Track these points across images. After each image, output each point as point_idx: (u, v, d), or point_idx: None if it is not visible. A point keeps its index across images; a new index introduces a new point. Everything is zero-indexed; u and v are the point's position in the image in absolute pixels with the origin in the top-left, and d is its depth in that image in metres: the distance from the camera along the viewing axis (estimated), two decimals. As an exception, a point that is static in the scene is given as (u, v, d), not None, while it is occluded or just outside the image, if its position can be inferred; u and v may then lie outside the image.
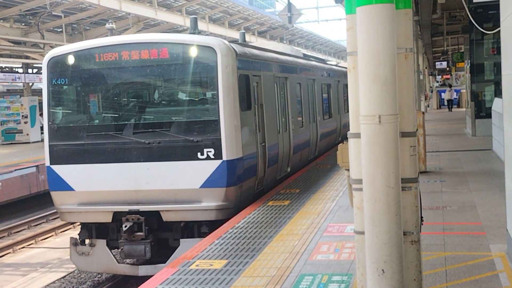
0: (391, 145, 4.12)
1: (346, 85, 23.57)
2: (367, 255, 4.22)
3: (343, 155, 5.05)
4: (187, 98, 11.21)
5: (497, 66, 19.63)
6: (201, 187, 10.18)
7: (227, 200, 10.27)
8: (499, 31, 7.76)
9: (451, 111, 40.35)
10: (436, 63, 42.21)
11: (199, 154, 10.19)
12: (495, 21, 17.91)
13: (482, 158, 16.10)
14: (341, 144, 5.15)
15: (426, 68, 42.81)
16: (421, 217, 4.76)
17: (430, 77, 51.86)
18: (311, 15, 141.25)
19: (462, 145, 19.28)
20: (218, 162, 10.16)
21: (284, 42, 51.30)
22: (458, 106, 43.90)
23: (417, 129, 4.67)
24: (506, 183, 7.52)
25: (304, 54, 19.62)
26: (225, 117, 10.18)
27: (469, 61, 23.21)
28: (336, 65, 27.47)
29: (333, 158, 16.64)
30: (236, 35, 38.27)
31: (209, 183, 10.17)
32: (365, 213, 4.21)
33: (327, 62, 27.27)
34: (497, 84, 19.62)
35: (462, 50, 33.47)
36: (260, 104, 11.88)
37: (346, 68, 25.67)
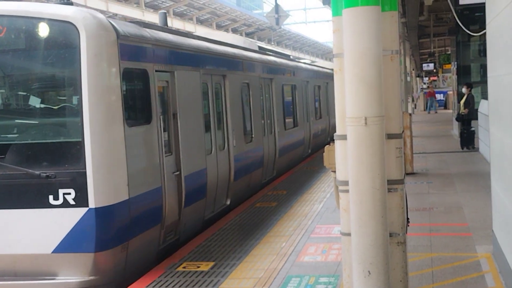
0: (377, 147, 4.13)
1: (319, 87, 21.14)
2: (353, 256, 4.22)
3: (330, 156, 5.06)
4: (33, 106, 7.35)
5: (484, 68, 19.75)
6: (54, 252, 6.64)
7: (99, 272, 6.69)
8: (485, 33, 7.81)
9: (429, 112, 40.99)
10: (423, 65, 42.37)
11: (50, 197, 6.63)
12: (482, 23, 17.96)
13: (468, 159, 16.19)
14: (327, 146, 5.15)
15: (413, 70, 42.98)
16: (407, 219, 4.78)
17: (418, 78, 52.08)
18: (299, 17, 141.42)
19: (449, 146, 19.37)
20: (82, 211, 6.58)
21: (272, 43, 51.40)
22: (445, 107, 44.14)
23: (403, 131, 4.69)
24: (492, 185, 7.56)
25: (261, 48, 16.04)
26: (94, 137, 6.63)
27: (455, 63, 23.34)
28: (310, 64, 24.72)
29: (317, 163, 16.67)
30: (224, 37, 38.23)
31: (67, 246, 6.62)
32: (351, 215, 4.22)
33: (301, 61, 24.51)
34: (484, 86, 19.74)
35: (449, 52, 33.65)
36: (172, 114, 8.44)
37: (323, 67, 23.81)
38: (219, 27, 41.65)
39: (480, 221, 9.08)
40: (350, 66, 4.15)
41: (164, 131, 8.17)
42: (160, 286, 6.88)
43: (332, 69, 23.46)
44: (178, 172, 8.47)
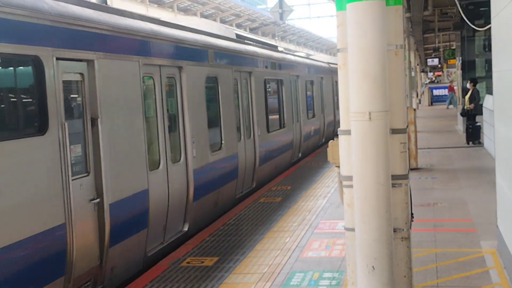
0: (381, 142, 4.11)
1: (312, 82, 19.06)
2: (357, 252, 4.21)
3: (333, 152, 5.04)
4: None
5: (489, 63, 19.68)
6: None
7: None
8: (490, 28, 7.77)
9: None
10: (428, 60, 42.26)
11: None
12: (487, 18, 17.90)
13: (473, 154, 16.15)
14: (331, 141, 5.13)
15: (418, 65, 42.88)
16: (412, 214, 4.76)
17: (422, 73, 51.97)
18: (303, 12, 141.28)
19: (454, 141, 19.32)
20: None
21: (276, 38, 51.32)
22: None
23: (407, 126, 4.67)
24: (496, 180, 7.54)
25: (239, 36, 13.63)
26: None
27: (460, 58, 23.27)
28: (302, 57, 22.28)
29: (321, 159, 16.66)
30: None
31: None
32: (355, 210, 4.20)
33: (294, 53, 21.93)
34: (489, 81, 19.68)
35: (453, 47, 33.53)
36: (90, 118, 6.45)
37: (318, 60, 22.20)
38: (223, 22, 41.62)
39: (484, 216, 9.06)
40: (354, 61, 4.12)
41: (73, 143, 6.14)
42: (164, 282, 6.89)
43: (328, 63, 22.86)
44: (98, 199, 6.45)
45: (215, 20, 40.04)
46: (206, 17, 39.45)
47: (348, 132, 4.34)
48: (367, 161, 4.11)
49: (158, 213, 7.86)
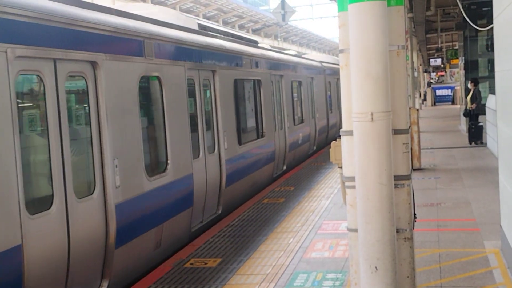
0: (383, 142, 4.12)
1: (300, 83, 16.88)
2: (360, 252, 4.22)
3: (336, 152, 5.04)
4: None
5: (491, 63, 19.67)
6: None
7: None
8: (493, 27, 7.77)
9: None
10: (431, 60, 42.28)
11: None
12: (489, 18, 17.92)
13: (476, 154, 16.13)
14: (334, 141, 5.14)
15: (420, 65, 42.87)
16: (414, 214, 4.76)
17: (425, 74, 51.94)
18: (306, 13, 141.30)
19: (457, 141, 19.31)
20: None
21: (279, 39, 51.35)
22: (453, 103, 44.00)
23: (410, 126, 4.67)
24: (500, 180, 7.53)
25: (203, 26, 11.00)
26: None
27: (463, 58, 23.25)
28: (291, 54, 18.72)
29: (324, 159, 16.61)
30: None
31: None
32: (358, 211, 4.21)
33: (283, 51, 18.50)
34: (492, 81, 19.67)
35: (456, 47, 33.52)
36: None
37: (308, 59, 19.98)
38: (225, 23, 41.64)
39: (488, 216, 9.05)
40: (356, 61, 4.13)
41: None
42: (168, 283, 6.90)
43: (321, 62, 21.67)
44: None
45: (217, 21, 40.08)
46: (208, 18, 39.46)
47: (350, 133, 4.35)
48: (369, 162, 4.11)
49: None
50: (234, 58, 11.25)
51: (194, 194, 8.85)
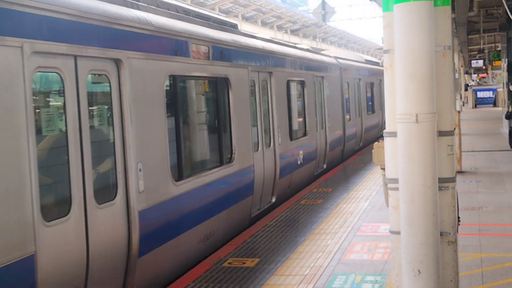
0: (428, 144, 4.06)
1: (302, 83, 13.10)
2: (403, 255, 4.17)
3: (379, 154, 5.00)
4: None
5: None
6: None
7: None
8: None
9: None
10: (472, 61, 41.58)
11: None
12: (534, 19, 17.55)
13: (519, 158, 15.82)
14: (376, 142, 5.09)
15: (461, 66, 42.23)
16: (458, 218, 4.69)
17: (466, 75, 51.14)
18: (345, 13, 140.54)
19: (499, 145, 18.95)
20: None
21: (317, 40, 51.17)
22: (494, 105, 43.25)
23: (454, 128, 4.60)
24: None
25: (181, 9, 8.84)
26: None
27: (506, 59, 22.80)
28: (291, 46, 14.00)
29: (363, 161, 16.44)
30: (269, 33, 38.24)
31: None
32: (401, 213, 4.16)
33: (279, 41, 13.43)
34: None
35: (499, 49, 32.90)
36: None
37: (316, 52, 17.76)
38: (264, 24, 41.70)
39: (532, 221, 8.87)
40: (401, 62, 4.09)
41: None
42: (206, 282, 6.93)
43: (336, 57, 20.82)
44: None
45: (256, 22, 40.14)
46: (247, 19, 39.54)
47: (394, 134, 4.30)
48: (413, 164, 4.06)
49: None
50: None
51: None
